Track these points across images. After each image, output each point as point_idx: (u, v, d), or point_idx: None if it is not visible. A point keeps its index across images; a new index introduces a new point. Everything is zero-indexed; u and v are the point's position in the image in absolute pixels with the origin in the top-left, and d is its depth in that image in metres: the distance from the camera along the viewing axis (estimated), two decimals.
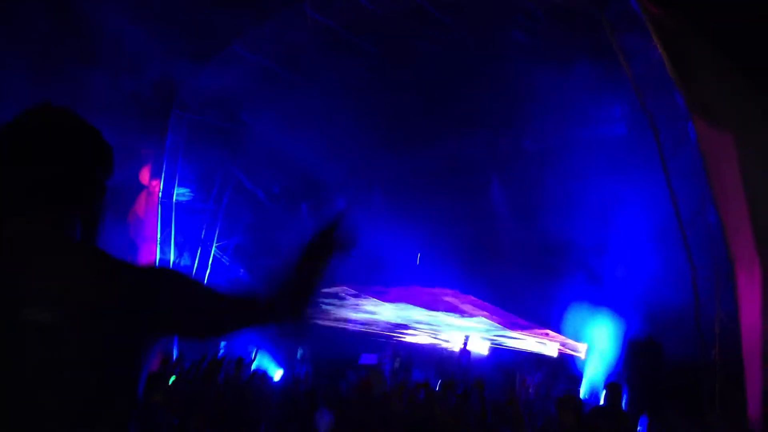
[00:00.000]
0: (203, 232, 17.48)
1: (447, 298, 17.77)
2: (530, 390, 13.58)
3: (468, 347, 16.76)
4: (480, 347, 16.90)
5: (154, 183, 16.56)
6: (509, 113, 14.74)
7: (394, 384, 12.51)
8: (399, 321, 18.07)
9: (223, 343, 15.63)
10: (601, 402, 11.08)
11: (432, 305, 17.85)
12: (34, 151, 1.56)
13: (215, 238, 17.74)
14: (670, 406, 10.02)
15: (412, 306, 17.94)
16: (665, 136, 11.11)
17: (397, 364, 16.71)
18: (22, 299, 1.41)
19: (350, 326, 18.12)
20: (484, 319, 17.03)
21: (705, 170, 10.34)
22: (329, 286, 18.31)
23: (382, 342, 17.93)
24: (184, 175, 16.80)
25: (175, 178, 16.57)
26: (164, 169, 16.34)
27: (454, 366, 15.70)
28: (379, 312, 18.18)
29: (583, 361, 14.17)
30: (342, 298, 18.40)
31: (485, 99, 14.37)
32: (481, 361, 16.34)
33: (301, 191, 19.09)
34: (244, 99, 15.75)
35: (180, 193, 16.79)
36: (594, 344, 13.81)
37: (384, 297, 18.18)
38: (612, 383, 7.99)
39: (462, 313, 17.46)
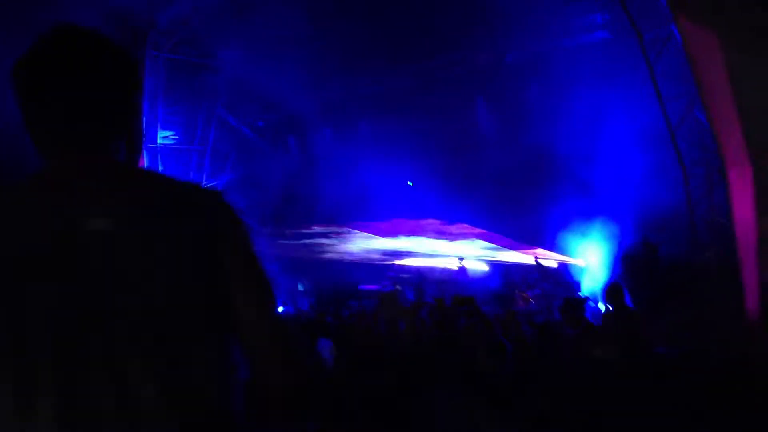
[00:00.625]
0: (192, 174, 17.35)
1: (437, 226, 17.89)
2: (531, 302, 13.83)
3: (465, 266, 16.97)
4: (478, 265, 17.11)
5: None
6: (489, 27, 14.43)
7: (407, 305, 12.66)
8: (394, 250, 18.25)
9: None
10: (600, 304, 11.33)
11: (421, 233, 17.99)
12: (74, 78, 1.44)
13: (204, 179, 17.62)
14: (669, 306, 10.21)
15: (404, 237, 18.06)
16: (649, 38, 10.97)
17: (397, 287, 16.95)
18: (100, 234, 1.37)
19: (347, 257, 18.28)
20: (478, 241, 17.19)
21: (692, 71, 10.26)
22: (319, 224, 18.35)
23: (382, 269, 18.13)
24: (166, 118, 16.53)
25: (157, 122, 16.31)
26: (145, 112, 16.07)
27: (455, 284, 15.91)
28: (371, 245, 18.31)
29: (582, 270, 14.37)
30: (332, 236, 18.50)
31: (462, 14, 14.05)
32: (481, 278, 16.57)
33: (286, 124, 18.88)
34: (218, 33, 15.34)
35: (164, 137, 16.56)
36: (590, 253, 13.97)
37: (373, 230, 18.26)
38: (613, 283, 8.02)
39: (453, 237, 17.61)
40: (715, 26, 10.11)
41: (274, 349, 1.51)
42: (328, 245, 18.60)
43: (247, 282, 1.54)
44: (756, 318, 8.66)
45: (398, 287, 17.16)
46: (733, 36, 10.54)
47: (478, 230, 17.10)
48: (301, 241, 18.56)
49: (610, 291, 7.85)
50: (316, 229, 18.54)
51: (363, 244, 18.37)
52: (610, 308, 7.75)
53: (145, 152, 16.28)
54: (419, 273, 17.30)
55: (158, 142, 16.38)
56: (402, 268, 18.34)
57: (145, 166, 15.88)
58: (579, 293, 13.00)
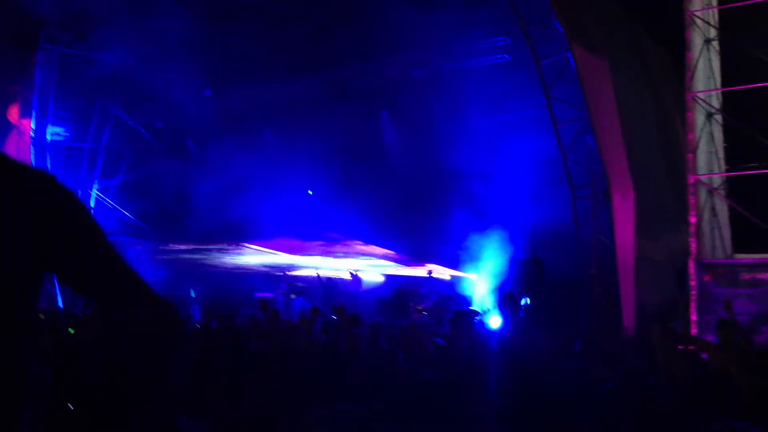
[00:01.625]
0: (83, 173, 16.64)
1: (327, 246, 17.84)
2: (424, 314, 14.09)
3: (359, 276, 17.08)
4: (372, 276, 17.28)
5: (25, 122, 15.50)
6: (396, 43, 14.67)
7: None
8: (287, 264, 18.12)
9: None
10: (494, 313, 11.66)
11: (312, 251, 17.87)
12: None
13: (96, 179, 16.93)
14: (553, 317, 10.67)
15: (298, 255, 17.91)
16: (546, 63, 11.50)
17: (290, 298, 16.83)
18: None
19: (238, 270, 18.01)
20: (372, 259, 17.34)
21: (584, 97, 10.84)
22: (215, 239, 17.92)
23: (276, 278, 17.95)
24: (57, 113, 15.80)
25: (47, 116, 15.55)
26: (34, 106, 15.30)
27: (345, 295, 15.93)
28: (263, 259, 18.07)
29: (473, 283, 14.78)
30: (225, 251, 18.13)
31: (369, 28, 14.23)
32: (375, 289, 16.72)
33: (187, 126, 18.40)
34: (116, 31, 14.83)
35: (54, 132, 15.81)
36: (483, 267, 14.40)
37: (265, 246, 17.96)
38: (508, 292, 8.26)
39: (346, 254, 17.64)
40: (607, 57, 10.76)
41: (135, 291, 1.60)
42: (219, 258, 18.21)
43: (88, 248, 1.59)
44: (631, 333, 9.21)
45: (293, 296, 17.07)
46: (622, 69, 11.25)
47: (372, 248, 17.20)
48: (194, 251, 18.06)
49: (506, 299, 8.05)
50: (210, 245, 18.04)
51: (254, 258, 18.09)
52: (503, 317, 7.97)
53: (32, 147, 15.50)
54: (321, 283, 17.22)
55: (48, 137, 15.63)
56: (296, 277, 18.24)
57: (32, 161, 15.13)
58: (470, 306, 13.36)
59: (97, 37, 15.12)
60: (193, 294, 17.67)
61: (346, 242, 17.45)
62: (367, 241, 17.04)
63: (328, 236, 17.70)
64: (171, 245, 17.78)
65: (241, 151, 17.66)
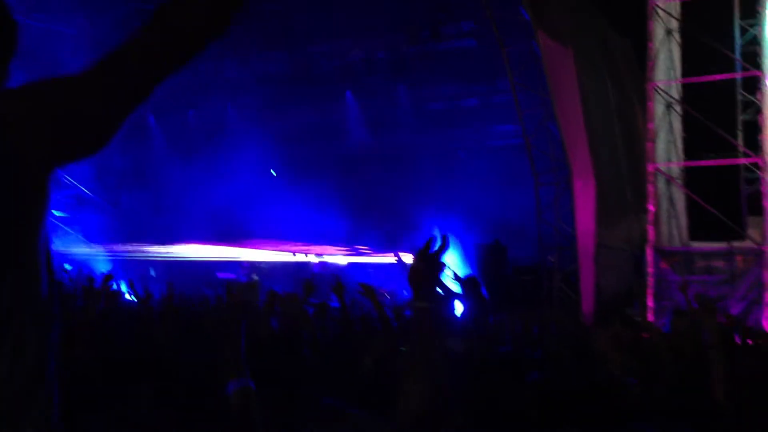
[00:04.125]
0: None
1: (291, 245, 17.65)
2: (387, 297, 14.18)
3: (325, 261, 17.06)
4: (337, 260, 17.26)
5: None
6: (360, 24, 14.52)
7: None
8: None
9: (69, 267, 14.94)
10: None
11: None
12: None
13: None
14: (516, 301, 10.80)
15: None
16: (512, 50, 11.56)
17: (254, 277, 16.71)
18: None
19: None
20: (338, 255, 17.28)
21: (547, 84, 10.95)
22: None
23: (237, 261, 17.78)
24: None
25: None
26: None
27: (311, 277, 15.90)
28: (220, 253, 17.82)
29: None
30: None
31: (335, 9, 14.07)
32: (340, 271, 16.71)
33: (149, 102, 17.97)
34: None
35: None
36: (447, 252, 14.47)
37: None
38: (471, 277, 8.31)
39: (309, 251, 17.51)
40: (571, 46, 10.86)
41: None
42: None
43: None
44: (590, 320, 9.40)
45: (255, 277, 16.93)
46: (586, 58, 11.37)
47: (334, 248, 17.12)
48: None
49: (468, 283, 8.08)
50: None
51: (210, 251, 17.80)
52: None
53: None
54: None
55: None
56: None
57: None
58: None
59: (56, 6, 14.71)
60: (152, 273, 17.44)
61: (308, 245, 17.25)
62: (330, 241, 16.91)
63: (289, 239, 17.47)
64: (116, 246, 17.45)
65: (202, 124, 17.42)
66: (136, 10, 13.24)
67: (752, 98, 11.64)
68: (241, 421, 1.82)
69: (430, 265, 1.68)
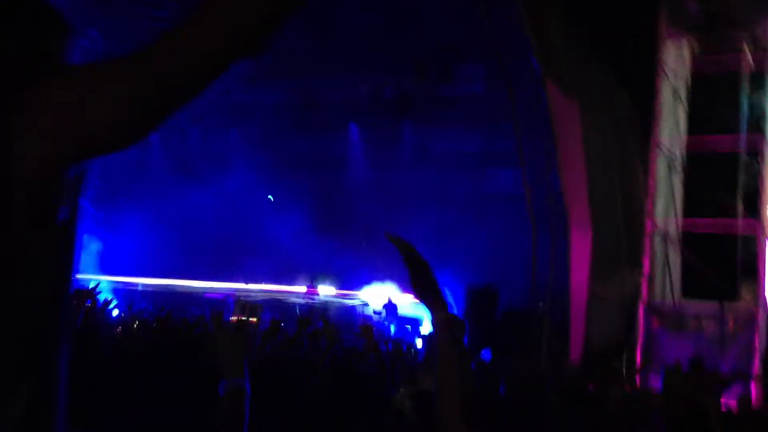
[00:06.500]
0: None
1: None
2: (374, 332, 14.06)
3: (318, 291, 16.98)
4: (329, 290, 17.16)
5: None
6: (370, 59, 14.66)
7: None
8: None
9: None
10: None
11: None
12: None
13: None
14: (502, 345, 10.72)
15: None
16: (519, 97, 11.66)
17: (241, 305, 16.52)
18: None
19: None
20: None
21: (552, 133, 11.03)
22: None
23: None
24: None
25: None
26: None
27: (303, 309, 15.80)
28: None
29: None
30: None
31: (345, 42, 14.20)
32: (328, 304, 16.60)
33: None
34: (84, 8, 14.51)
35: None
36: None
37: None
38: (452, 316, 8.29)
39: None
40: (577, 98, 10.97)
41: None
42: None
43: None
44: (577, 367, 9.32)
45: (240, 298, 16.77)
46: (591, 110, 11.48)
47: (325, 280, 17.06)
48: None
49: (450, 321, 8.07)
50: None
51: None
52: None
53: None
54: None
55: None
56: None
57: None
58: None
59: (69, 17, 14.75)
60: (140, 287, 17.32)
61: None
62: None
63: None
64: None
65: (207, 145, 17.44)
66: (149, 21, 13.33)
67: (755, 161, 11.69)
68: (231, 421, 1.79)
69: (422, 271, 1.55)
